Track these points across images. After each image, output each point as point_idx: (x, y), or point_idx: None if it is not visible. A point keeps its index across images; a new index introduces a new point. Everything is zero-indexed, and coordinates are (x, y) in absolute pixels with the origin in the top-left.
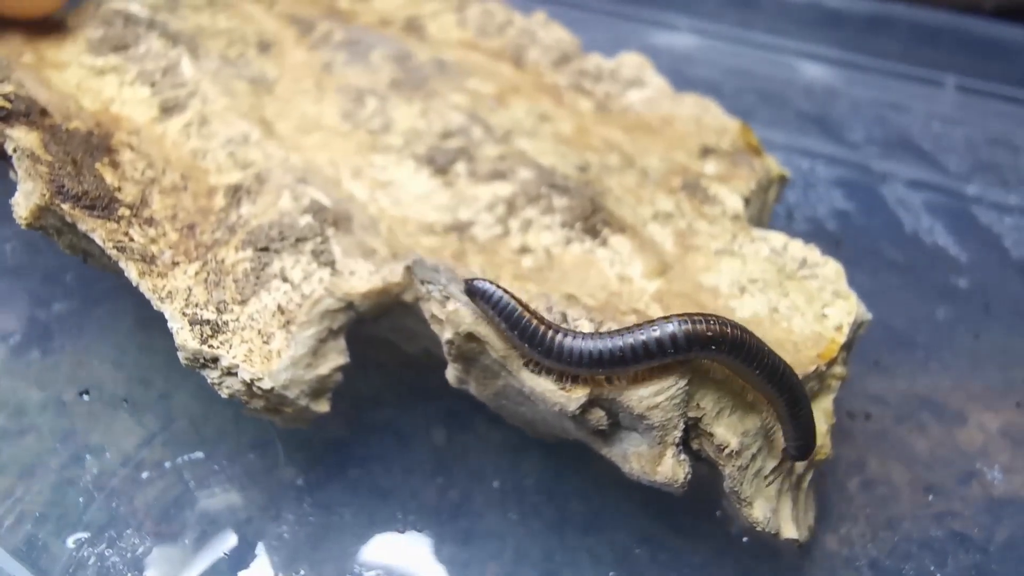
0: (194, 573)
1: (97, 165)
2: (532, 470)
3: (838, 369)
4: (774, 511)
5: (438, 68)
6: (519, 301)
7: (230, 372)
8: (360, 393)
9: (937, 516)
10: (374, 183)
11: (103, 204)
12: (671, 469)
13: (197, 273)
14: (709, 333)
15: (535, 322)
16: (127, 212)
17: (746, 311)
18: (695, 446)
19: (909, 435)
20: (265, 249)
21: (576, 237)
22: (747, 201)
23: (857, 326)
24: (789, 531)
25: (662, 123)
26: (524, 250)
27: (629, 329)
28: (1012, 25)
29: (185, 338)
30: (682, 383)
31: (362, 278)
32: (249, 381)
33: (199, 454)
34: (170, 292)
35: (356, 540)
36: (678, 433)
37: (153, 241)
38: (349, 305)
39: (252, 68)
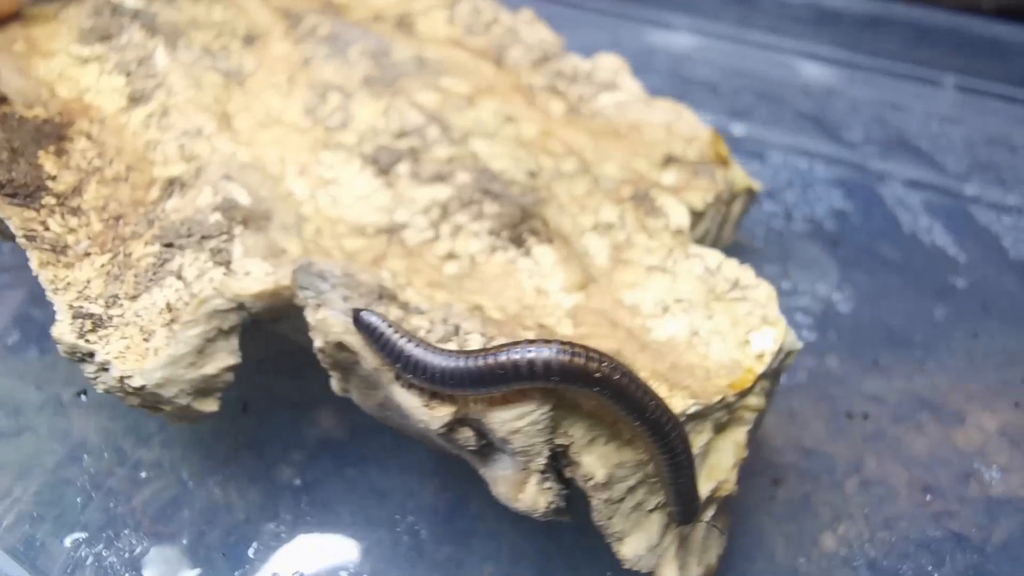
0: (192, 573)
1: (40, 153)
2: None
3: (753, 400)
4: (653, 548)
5: (417, 65)
6: (404, 331)
7: (103, 368)
8: None
9: (935, 516)
10: (318, 181)
11: (27, 192)
12: (532, 497)
13: (103, 266)
14: (588, 370)
15: (402, 338)
16: (52, 201)
17: (664, 332)
18: (568, 475)
19: (907, 435)
20: (170, 245)
21: (501, 246)
22: (700, 214)
23: (784, 355)
24: (668, 571)
25: (631, 129)
26: (450, 256)
27: (495, 348)
28: (1011, 24)
29: (63, 331)
30: (545, 408)
31: (257, 279)
32: (119, 378)
33: (196, 454)
34: (68, 283)
35: (353, 540)
36: (542, 460)
37: (72, 231)
38: (240, 306)
39: (231, 61)
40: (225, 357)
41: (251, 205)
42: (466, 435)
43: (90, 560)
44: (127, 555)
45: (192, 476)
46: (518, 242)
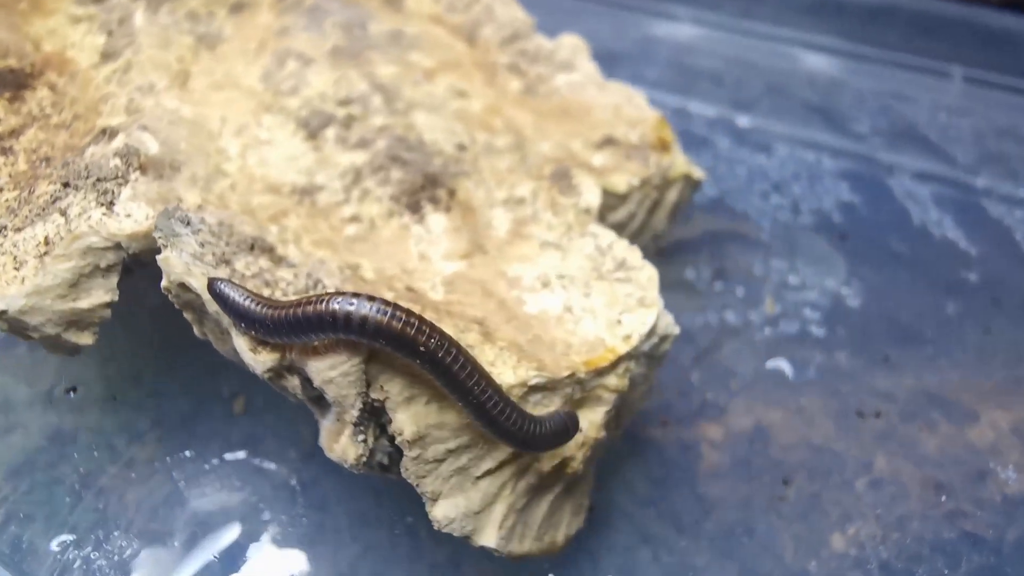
0: None
1: None
2: None
3: (613, 381)
4: (471, 514)
5: (390, 39)
6: (236, 284)
7: None
8: None
9: (949, 516)
10: (253, 141)
11: None
12: (343, 448)
13: (7, 201)
14: (404, 335)
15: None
16: None
17: (537, 306)
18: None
19: (919, 433)
20: (67, 184)
21: (398, 211)
22: (623, 196)
23: (659, 339)
24: (487, 538)
25: (580, 109)
26: (353, 219)
27: (311, 298)
28: (1019, 16)
29: None
30: (356, 360)
31: (136, 221)
32: None
33: (189, 453)
34: None
35: (350, 541)
36: (355, 412)
37: None
38: (117, 245)
39: (211, 26)
40: (101, 294)
41: (158, 155)
42: (293, 383)
43: (78, 563)
44: (116, 558)
45: (184, 476)
46: (414, 208)
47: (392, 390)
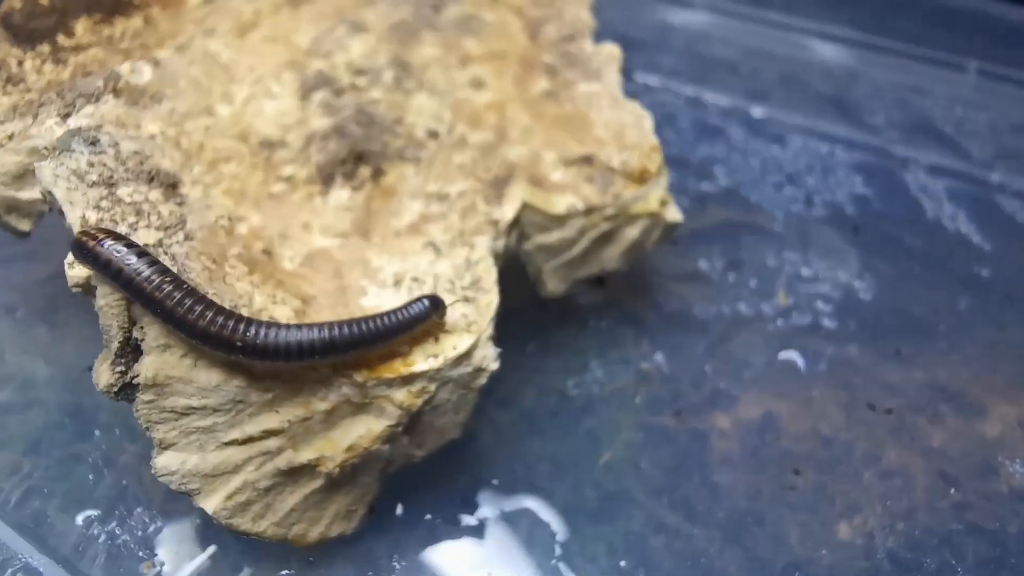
0: (205, 553)
1: (82, 17)
2: (543, 455)
3: (400, 395)
4: (204, 476)
5: (457, 23)
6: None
7: None
8: None
9: (956, 508)
10: (261, 92)
11: (31, 37)
12: (99, 372)
13: (26, 101)
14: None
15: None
16: (47, 50)
17: (375, 301)
18: None
19: (929, 426)
20: (59, 95)
21: (314, 179)
22: (560, 218)
23: (473, 370)
24: (210, 503)
25: (582, 122)
26: (287, 180)
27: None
28: None
29: None
30: (116, 295)
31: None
32: None
33: None
34: None
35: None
36: (116, 344)
37: (38, 73)
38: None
39: None
40: (38, 191)
41: (143, 84)
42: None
43: (103, 538)
44: (140, 533)
45: None
46: (327, 180)
47: (150, 334)
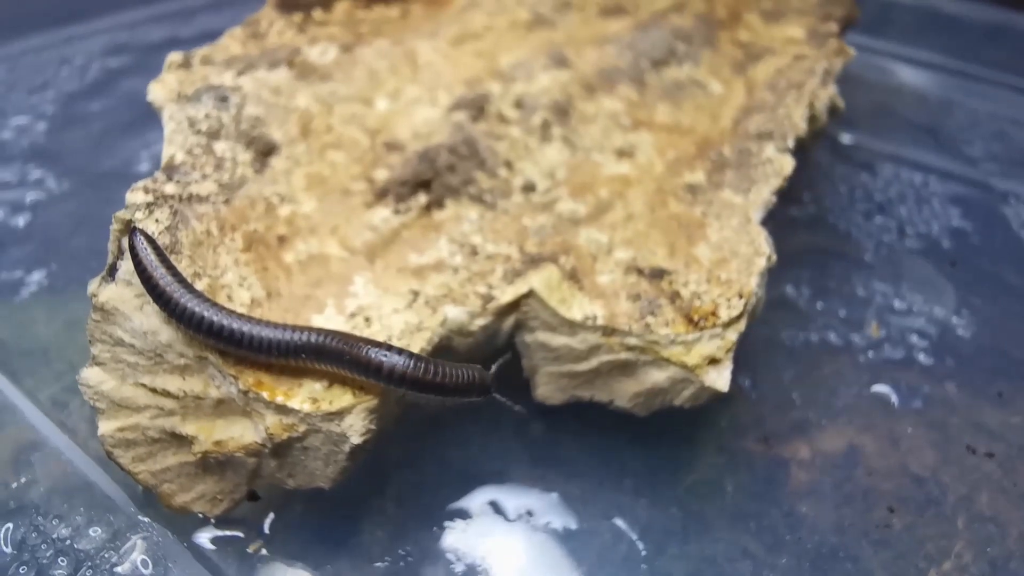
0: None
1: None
2: (626, 470)
3: (271, 420)
4: (111, 402)
5: (670, 85)
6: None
7: None
8: None
9: None
10: (428, 97)
11: (297, 6)
12: (92, 284)
13: (248, 48)
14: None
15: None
16: (299, 18)
17: (320, 321)
18: None
19: None
20: (263, 58)
21: (368, 191)
22: (569, 323)
23: (342, 434)
24: (106, 427)
25: (692, 232)
26: (367, 180)
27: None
28: None
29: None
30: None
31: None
32: None
33: None
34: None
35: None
36: (107, 265)
37: (280, 35)
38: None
39: (552, 12)
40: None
41: (323, 64)
42: None
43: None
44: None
45: None
46: (381, 195)
47: (123, 267)
